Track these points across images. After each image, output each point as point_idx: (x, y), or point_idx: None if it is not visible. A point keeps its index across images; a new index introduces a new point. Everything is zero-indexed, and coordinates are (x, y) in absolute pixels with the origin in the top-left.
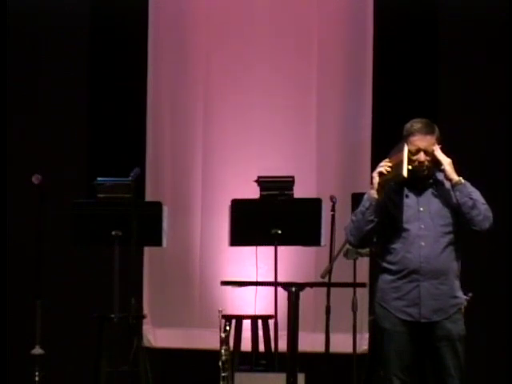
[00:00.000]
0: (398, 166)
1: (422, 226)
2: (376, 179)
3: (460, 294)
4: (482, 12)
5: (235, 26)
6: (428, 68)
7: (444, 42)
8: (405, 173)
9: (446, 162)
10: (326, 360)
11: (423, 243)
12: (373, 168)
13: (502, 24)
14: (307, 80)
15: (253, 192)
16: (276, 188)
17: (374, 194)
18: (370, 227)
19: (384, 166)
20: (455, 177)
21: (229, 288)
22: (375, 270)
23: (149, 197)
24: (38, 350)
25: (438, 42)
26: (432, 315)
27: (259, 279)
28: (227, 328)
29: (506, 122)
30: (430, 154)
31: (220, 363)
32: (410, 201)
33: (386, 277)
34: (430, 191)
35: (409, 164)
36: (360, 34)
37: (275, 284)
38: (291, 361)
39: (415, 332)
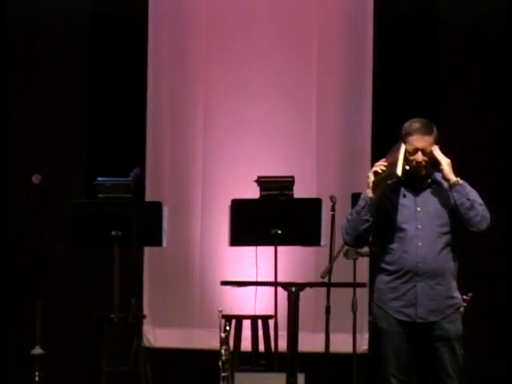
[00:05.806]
0: (393, 165)
1: (419, 226)
2: (371, 178)
3: (457, 294)
4: (482, 12)
5: (235, 26)
6: (428, 68)
7: (444, 42)
8: (399, 172)
9: (445, 163)
10: (326, 360)
11: (420, 243)
12: None
13: (502, 24)
14: (307, 80)
15: (253, 192)
16: (276, 188)
17: (369, 192)
18: (365, 226)
19: (379, 166)
20: (453, 177)
21: (229, 288)
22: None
23: (149, 197)
24: (37, 350)
25: (437, 42)
26: (428, 315)
27: (259, 279)
28: (227, 328)
29: (505, 122)
30: (427, 154)
31: (220, 363)
32: (408, 201)
33: (384, 277)
34: (427, 191)
35: (406, 164)
36: (360, 34)
37: (275, 284)
38: (291, 361)
39: (412, 332)
